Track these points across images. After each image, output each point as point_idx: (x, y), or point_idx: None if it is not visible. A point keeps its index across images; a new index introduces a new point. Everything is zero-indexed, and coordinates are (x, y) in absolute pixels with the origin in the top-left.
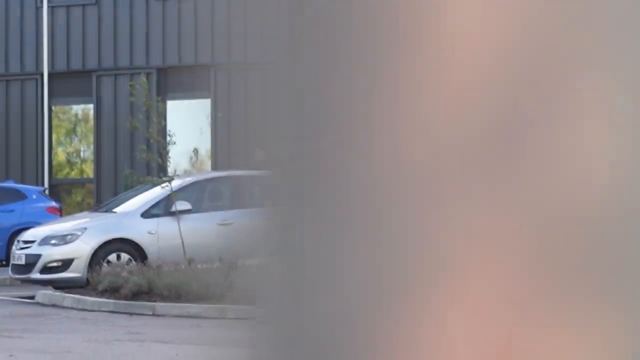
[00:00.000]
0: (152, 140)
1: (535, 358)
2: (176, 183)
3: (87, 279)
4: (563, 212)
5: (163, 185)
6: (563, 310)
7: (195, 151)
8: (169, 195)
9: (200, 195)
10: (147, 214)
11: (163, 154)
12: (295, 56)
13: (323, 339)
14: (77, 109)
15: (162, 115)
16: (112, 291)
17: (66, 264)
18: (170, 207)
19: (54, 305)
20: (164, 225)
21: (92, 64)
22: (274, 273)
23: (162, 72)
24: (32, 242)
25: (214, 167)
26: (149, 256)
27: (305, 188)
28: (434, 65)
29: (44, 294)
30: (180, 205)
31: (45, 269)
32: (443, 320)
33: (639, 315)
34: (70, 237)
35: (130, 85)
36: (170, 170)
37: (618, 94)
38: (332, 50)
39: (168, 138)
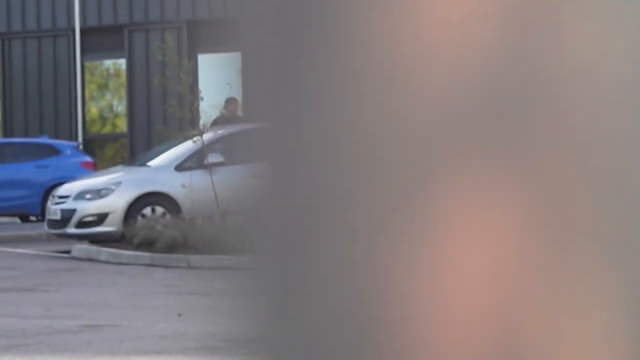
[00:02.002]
0: (182, 96)
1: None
2: (208, 136)
3: (122, 232)
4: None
5: (194, 139)
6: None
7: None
8: (201, 148)
9: (233, 148)
10: (180, 167)
11: (192, 109)
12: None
13: (321, 291)
14: (109, 64)
15: (190, 72)
16: (148, 244)
17: (101, 218)
18: (203, 160)
19: (89, 260)
20: (197, 178)
21: (123, 19)
22: (269, 226)
23: (193, 25)
24: (67, 197)
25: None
26: (183, 209)
27: (297, 144)
28: (416, 57)
29: (80, 248)
30: (213, 157)
31: (81, 224)
32: (439, 275)
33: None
34: (105, 192)
35: (156, 46)
36: (201, 124)
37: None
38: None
39: (199, 93)
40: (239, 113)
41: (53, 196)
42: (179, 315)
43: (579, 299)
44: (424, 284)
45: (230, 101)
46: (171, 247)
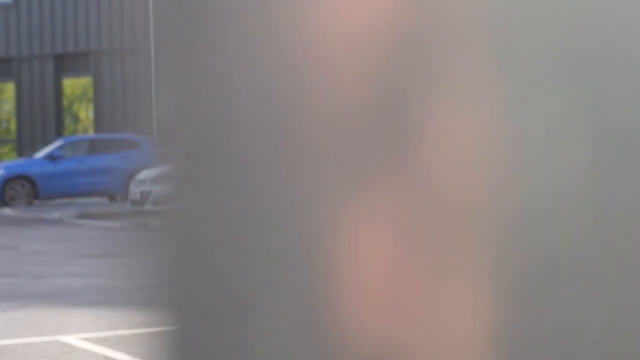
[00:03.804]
0: None
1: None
2: None
3: None
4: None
5: None
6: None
7: None
8: None
9: None
10: None
11: None
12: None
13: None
14: None
15: None
16: None
17: None
18: None
19: None
20: None
21: None
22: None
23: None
24: (145, 181)
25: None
26: None
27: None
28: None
29: (155, 222)
30: None
31: (156, 202)
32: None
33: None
34: None
35: None
36: None
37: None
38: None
39: None
40: None
41: (134, 180)
42: None
43: (452, 294)
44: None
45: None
46: None
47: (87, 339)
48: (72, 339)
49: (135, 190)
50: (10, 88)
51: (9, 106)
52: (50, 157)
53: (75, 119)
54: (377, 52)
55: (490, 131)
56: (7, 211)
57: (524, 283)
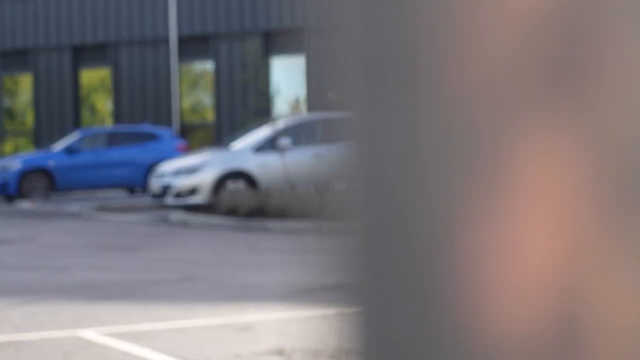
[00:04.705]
0: (260, 90)
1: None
2: (280, 124)
3: (210, 203)
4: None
5: (270, 125)
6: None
7: (297, 100)
8: (275, 134)
9: (299, 134)
10: (257, 150)
11: (270, 102)
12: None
13: (409, 245)
14: (199, 66)
15: (269, 71)
16: (231, 212)
17: (193, 191)
18: (276, 143)
19: (183, 225)
20: (271, 159)
21: (211, 29)
22: (359, 195)
23: (267, 34)
24: (165, 174)
25: (309, 111)
26: (260, 184)
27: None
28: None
29: (176, 215)
30: (284, 141)
31: (176, 196)
32: (505, 238)
33: None
34: (195, 170)
35: (248, 48)
36: (275, 114)
37: None
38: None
39: (273, 89)
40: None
41: (154, 173)
42: (257, 269)
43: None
44: (492, 244)
45: (330, 94)
46: (251, 214)
47: (107, 334)
48: (90, 334)
49: (155, 183)
50: (27, 80)
51: (26, 98)
52: (68, 150)
53: (93, 110)
54: None
55: None
56: (25, 204)
57: None
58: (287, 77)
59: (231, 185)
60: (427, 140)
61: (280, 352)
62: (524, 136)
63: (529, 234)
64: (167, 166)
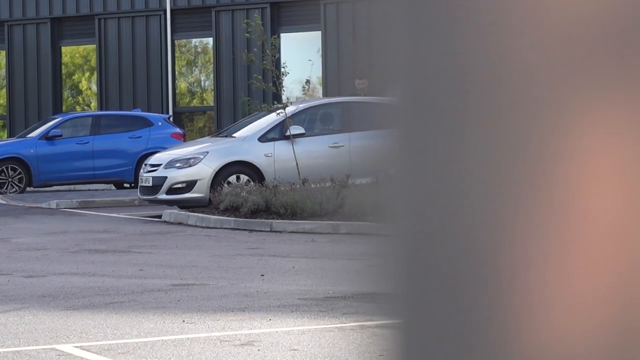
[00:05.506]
0: (267, 71)
1: None
2: (290, 109)
3: (209, 198)
4: None
5: (278, 111)
6: None
7: (308, 81)
8: (283, 120)
9: (313, 120)
10: (263, 138)
11: (277, 83)
12: None
13: (449, 250)
14: (197, 42)
15: (276, 49)
16: (233, 210)
17: (190, 185)
18: (285, 131)
19: (179, 224)
20: (280, 148)
21: (211, 0)
22: (399, 191)
23: (275, 6)
24: (158, 165)
25: (325, 94)
26: (266, 177)
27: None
28: None
29: (170, 213)
30: (294, 129)
31: (171, 190)
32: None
33: None
34: (193, 161)
35: (246, 23)
36: (284, 98)
37: None
38: None
39: (282, 69)
40: (363, 88)
41: (145, 165)
42: (262, 275)
43: None
44: (550, 247)
45: (362, 79)
46: (255, 212)
47: (88, 348)
48: (70, 348)
49: (146, 176)
50: (0, 56)
51: None
52: (47, 137)
53: (76, 91)
54: None
55: None
56: None
57: None
58: (298, 54)
59: (233, 178)
60: (479, 138)
61: None
62: (583, 132)
63: (588, 239)
64: (160, 156)
